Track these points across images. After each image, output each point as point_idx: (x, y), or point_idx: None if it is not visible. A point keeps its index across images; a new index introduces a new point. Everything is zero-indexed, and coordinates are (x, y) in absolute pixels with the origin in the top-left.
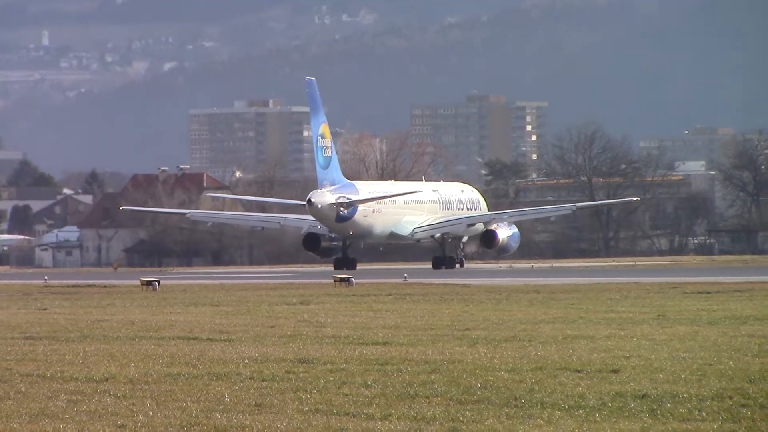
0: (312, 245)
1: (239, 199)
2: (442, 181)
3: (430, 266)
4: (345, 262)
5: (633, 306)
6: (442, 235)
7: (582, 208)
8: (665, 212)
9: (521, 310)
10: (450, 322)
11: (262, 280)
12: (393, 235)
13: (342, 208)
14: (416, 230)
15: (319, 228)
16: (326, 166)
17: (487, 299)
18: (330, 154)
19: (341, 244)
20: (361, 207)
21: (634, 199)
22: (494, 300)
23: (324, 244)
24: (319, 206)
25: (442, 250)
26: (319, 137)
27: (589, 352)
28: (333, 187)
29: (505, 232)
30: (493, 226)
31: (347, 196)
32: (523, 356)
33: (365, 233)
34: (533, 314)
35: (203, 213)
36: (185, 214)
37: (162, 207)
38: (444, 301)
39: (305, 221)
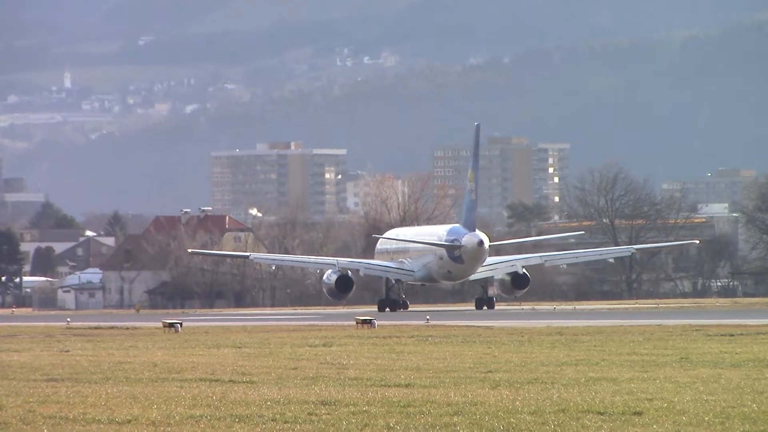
0: (345, 288)
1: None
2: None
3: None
4: (399, 304)
5: (656, 348)
6: (485, 277)
7: (640, 250)
8: (688, 255)
9: (544, 352)
10: (472, 365)
11: (284, 321)
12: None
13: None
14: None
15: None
16: (472, 209)
17: (510, 341)
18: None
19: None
20: None
21: (696, 241)
22: (517, 342)
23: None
24: (486, 248)
25: (483, 291)
26: (471, 181)
27: (612, 394)
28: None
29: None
30: (520, 269)
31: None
32: (545, 398)
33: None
34: (556, 356)
35: (265, 256)
36: (248, 256)
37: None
38: (466, 343)
39: (360, 264)
